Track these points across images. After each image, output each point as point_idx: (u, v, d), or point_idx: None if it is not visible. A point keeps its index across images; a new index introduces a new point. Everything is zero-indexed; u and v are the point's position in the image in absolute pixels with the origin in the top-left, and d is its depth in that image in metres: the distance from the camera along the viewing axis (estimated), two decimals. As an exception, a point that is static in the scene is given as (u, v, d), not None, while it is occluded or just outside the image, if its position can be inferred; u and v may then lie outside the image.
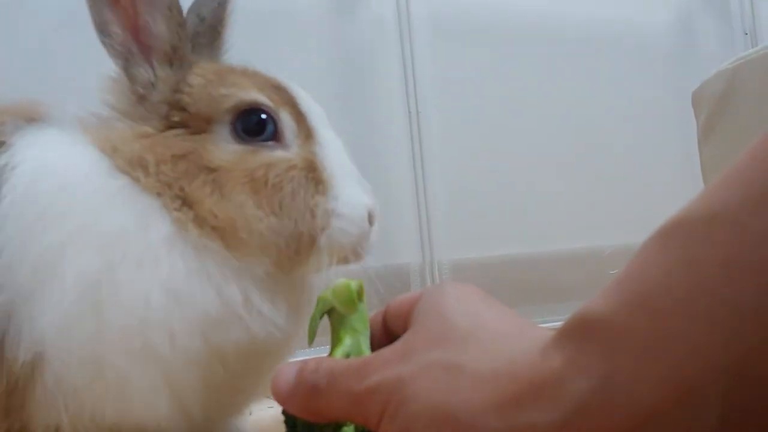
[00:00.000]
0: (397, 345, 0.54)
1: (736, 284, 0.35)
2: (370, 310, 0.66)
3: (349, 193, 0.72)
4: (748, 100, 1.28)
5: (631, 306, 0.39)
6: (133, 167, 0.68)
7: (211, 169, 0.68)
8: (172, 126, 0.71)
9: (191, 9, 0.82)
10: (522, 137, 2.12)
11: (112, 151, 0.69)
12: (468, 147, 2.05)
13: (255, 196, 0.68)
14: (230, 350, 0.68)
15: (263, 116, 0.71)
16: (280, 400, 0.58)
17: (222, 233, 0.67)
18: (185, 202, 0.68)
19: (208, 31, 0.82)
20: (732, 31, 2.51)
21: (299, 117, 0.73)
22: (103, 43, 0.72)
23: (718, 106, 1.36)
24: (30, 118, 0.73)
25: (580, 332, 0.41)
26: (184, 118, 0.71)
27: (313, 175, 0.71)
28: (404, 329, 0.56)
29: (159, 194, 0.67)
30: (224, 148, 0.70)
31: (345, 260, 0.72)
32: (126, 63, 0.73)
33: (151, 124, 0.71)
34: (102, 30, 0.72)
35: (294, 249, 0.69)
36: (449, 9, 2.09)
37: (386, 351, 0.54)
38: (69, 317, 0.62)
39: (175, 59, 0.74)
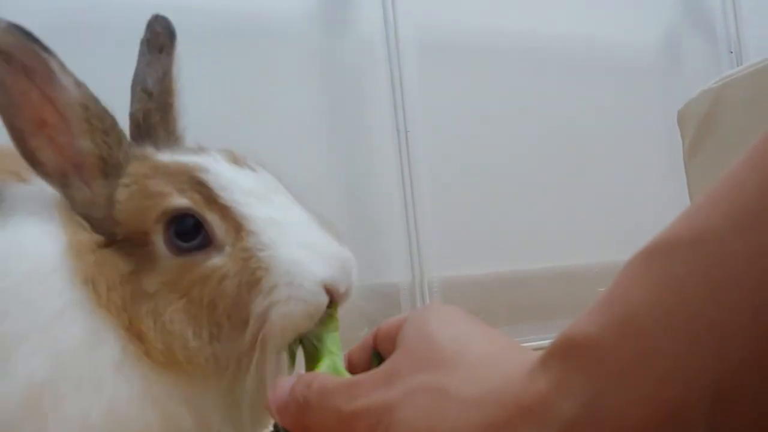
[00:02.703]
0: (384, 367, 0.53)
1: (720, 304, 0.35)
2: (360, 328, 0.66)
3: (294, 272, 0.64)
4: (734, 118, 1.30)
5: (616, 327, 0.39)
6: (87, 284, 0.65)
7: (150, 295, 0.66)
8: (117, 241, 0.68)
9: (135, 83, 0.78)
10: (510, 156, 2.13)
11: (75, 257, 0.66)
12: (457, 165, 2.06)
13: (193, 322, 0.65)
14: None
15: (193, 219, 0.67)
16: (273, 412, 0.58)
17: (171, 368, 0.65)
18: (135, 335, 0.65)
19: (160, 107, 0.77)
20: (717, 50, 2.54)
21: (224, 211, 0.67)
22: (37, 173, 0.69)
23: (704, 124, 1.37)
24: (18, 176, 0.72)
25: (566, 354, 0.41)
26: (124, 233, 0.68)
27: (248, 277, 0.65)
28: (393, 351, 0.56)
29: (113, 327, 0.65)
30: (161, 266, 0.67)
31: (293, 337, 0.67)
32: (63, 187, 0.70)
33: (102, 234, 0.69)
34: (32, 161, 0.69)
35: (236, 357, 0.65)
36: (436, 30, 2.10)
37: (374, 373, 0.54)
38: (13, 417, 0.61)
39: (109, 169, 0.70)
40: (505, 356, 0.49)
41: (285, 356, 0.67)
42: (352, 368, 0.67)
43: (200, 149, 0.75)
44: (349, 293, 0.68)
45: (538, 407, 0.41)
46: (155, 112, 0.77)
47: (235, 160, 0.72)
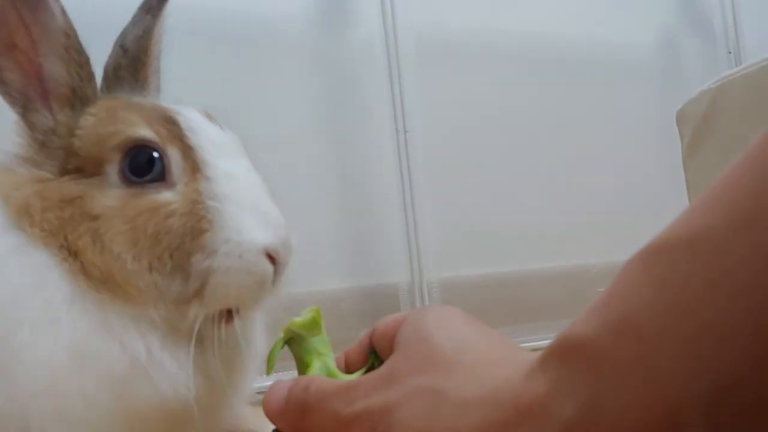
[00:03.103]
0: (382, 370, 0.53)
1: (718, 306, 0.35)
2: (359, 329, 0.67)
3: (238, 238, 0.64)
4: (732, 118, 1.30)
5: (614, 329, 0.39)
6: (21, 216, 0.65)
7: (93, 217, 0.65)
8: (69, 171, 0.68)
9: (117, 41, 0.78)
10: (509, 156, 2.13)
11: (5, 199, 0.66)
12: (456, 166, 2.06)
13: (134, 248, 0.64)
14: (145, 410, 0.64)
15: (152, 153, 0.66)
16: (270, 416, 0.58)
17: (108, 284, 0.64)
18: (70, 251, 0.65)
19: (131, 63, 0.77)
20: (716, 51, 2.54)
21: (187, 150, 0.67)
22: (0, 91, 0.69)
23: (703, 125, 1.37)
24: None
25: (564, 355, 0.41)
26: (78, 163, 0.68)
27: (193, 223, 0.65)
28: (390, 351, 0.56)
29: (46, 245, 0.64)
30: (109, 194, 0.66)
31: (246, 306, 0.67)
32: (24, 110, 0.70)
33: (50, 170, 0.68)
34: None
35: (174, 307, 0.65)
36: (435, 31, 2.11)
37: (372, 375, 0.54)
38: None
39: (76, 101, 0.71)
40: (503, 357, 0.49)
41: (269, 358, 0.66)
42: (350, 368, 0.67)
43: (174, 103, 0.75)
44: (287, 263, 0.67)
45: (536, 409, 0.41)
46: (126, 68, 0.76)
47: (208, 116, 0.73)
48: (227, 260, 0.64)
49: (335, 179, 1.92)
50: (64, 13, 0.69)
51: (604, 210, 2.19)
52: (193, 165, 0.67)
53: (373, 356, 0.65)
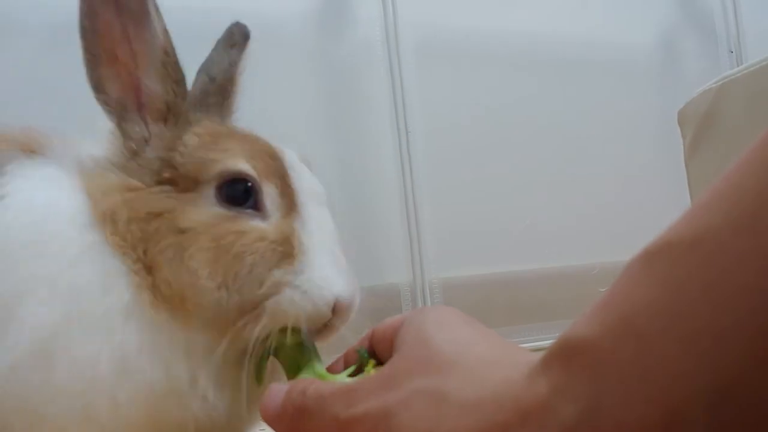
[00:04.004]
0: (381, 372, 0.53)
1: (718, 307, 0.35)
2: (360, 329, 0.67)
3: (320, 273, 0.68)
4: (734, 118, 1.30)
5: (616, 329, 0.39)
6: (104, 222, 0.67)
7: (181, 230, 0.67)
8: (161, 182, 0.70)
9: (202, 68, 0.82)
10: (511, 155, 2.13)
11: (93, 201, 0.68)
12: (457, 166, 2.06)
13: (212, 265, 0.66)
14: (171, 426, 0.67)
15: (247, 185, 0.70)
16: (268, 421, 0.59)
17: (172, 303, 0.66)
18: (145, 266, 0.67)
19: (219, 91, 0.81)
20: (717, 50, 2.54)
21: (286, 190, 0.71)
22: (98, 99, 0.72)
23: (704, 124, 1.37)
24: (29, 149, 0.73)
25: (566, 357, 0.41)
26: (173, 176, 0.70)
27: (284, 248, 0.68)
28: (389, 354, 0.56)
29: (122, 254, 0.66)
30: (203, 211, 0.69)
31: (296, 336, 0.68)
32: (120, 119, 0.73)
33: (142, 178, 0.71)
34: (97, 87, 0.72)
35: (234, 320, 0.66)
36: (436, 30, 2.11)
37: (371, 379, 0.54)
38: (20, 363, 0.63)
39: (170, 116, 0.74)
40: (504, 359, 0.49)
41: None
42: (346, 368, 0.67)
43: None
44: (346, 320, 0.70)
45: (537, 411, 0.41)
46: (214, 95, 0.80)
47: (306, 161, 0.77)
48: (307, 284, 0.66)
49: (336, 179, 1.92)
50: (165, 31, 0.73)
51: (605, 210, 2.19)
52: (290, 204, 0.71)
53: (362, 356, 0.65)
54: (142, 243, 0.67)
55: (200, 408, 0.66)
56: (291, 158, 0.74)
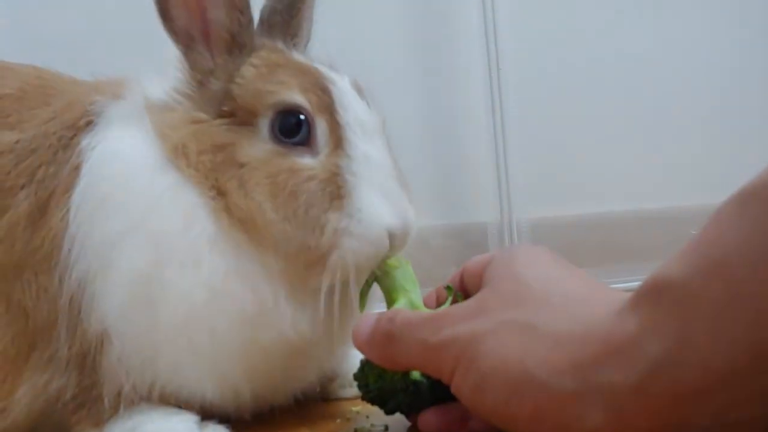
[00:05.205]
0: (470, 302, 0.55)
1: None
2: (449, 267, 0.69)
3: (368, 211, 0.70)
4: None
5: (707, 270, 0.39)
6: (177, 155, 0.71)
7: (240, 164, 0.71)
8: (222, 115, 0.73)
9: None
10: (604, 94, 2.07)
11: (162, 138, 0.72)
12: (548, 103, 2.02)
13: (273, 200, 0.69)
14: (266, 345, 0.70)
15: (300, 118, 0.72)
16: (358, 346, 0.62)
17: (246, 225, 0.70)
18: (219, 191, 0.70)
19: (286, 9, 0.82)
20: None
21: (334, 125, 0.73)
22: (165, 26, 0.74)
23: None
24: (114, 95, 0.77)
25: (656, 295, 0.41)
26: (233, 108, 0.73)
27: (332, 189, 0.71)
28: (478, 289, 0.57)
29: (198, 184, 0.70)
30: (257, 146, 0.72)
31: (360, 272, 0.72)
32: (187, 48, 0.75)
33: (206, 110, 0.73)
34: (164, 13, 0.73)
35: (303, 262, 0.70)
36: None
37: (459, 307, 0.55)
38: (125, 308, 0.68)
39: (234, 47, 0.75)
40: (593, 296, 0.50)
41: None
42: (438, 305, 0.69)
43: (330, 64, 0.80)
44: (404, 247, 0.73)
45: (626, 346, 0.42)
46: (281, 13, 0.82)
47: (358, 88, 0.78)
48: (360, 227, 0.70)
49: (425, 116, 1.92)
50: None
51: (698, 151, 2.11)
52: (337, 140, 0.73)
53: (450, 291, 0.68)
54: (212, 172, 0.71)
55: (288, 326, 0.70)
56: (343, 88, 0.75)
